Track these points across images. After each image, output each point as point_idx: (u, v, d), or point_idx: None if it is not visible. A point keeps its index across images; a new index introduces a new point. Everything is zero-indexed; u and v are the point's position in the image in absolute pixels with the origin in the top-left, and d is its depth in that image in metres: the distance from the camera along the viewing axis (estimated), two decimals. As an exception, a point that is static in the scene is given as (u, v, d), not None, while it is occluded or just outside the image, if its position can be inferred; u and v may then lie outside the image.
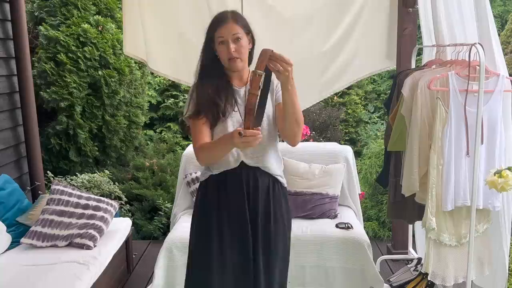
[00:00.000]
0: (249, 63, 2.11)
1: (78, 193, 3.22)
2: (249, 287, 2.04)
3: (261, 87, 1.81)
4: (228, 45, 1.96)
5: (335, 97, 6.48)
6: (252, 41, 2.07)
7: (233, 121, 2.01)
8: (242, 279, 2.04)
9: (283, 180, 2.13)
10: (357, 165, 3.84)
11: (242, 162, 2.02)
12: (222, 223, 2.03)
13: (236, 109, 2.02)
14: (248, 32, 2.03)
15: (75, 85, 4.48)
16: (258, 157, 2.03)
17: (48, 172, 4.23)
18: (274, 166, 2.09)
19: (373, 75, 6.42)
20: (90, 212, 3.10)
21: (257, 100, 1.80)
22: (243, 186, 2.01)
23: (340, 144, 3.86)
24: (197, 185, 3.40)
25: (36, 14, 4.66)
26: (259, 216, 2.03)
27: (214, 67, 2.05)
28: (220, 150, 1.94)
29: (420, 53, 3.59)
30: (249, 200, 2.02)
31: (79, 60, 4.50)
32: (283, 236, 2.11)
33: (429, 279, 2.61)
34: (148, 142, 5.89)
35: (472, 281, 2.62)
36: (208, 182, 2.07)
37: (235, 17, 2.01)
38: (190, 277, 2.12)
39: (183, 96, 6.18)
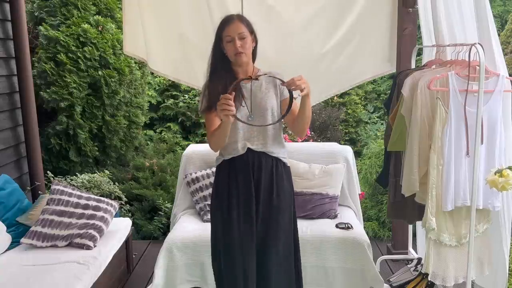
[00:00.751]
0: (253, 60, 2.38)
1: (78, 193, 3.22)
2: (252, 254, 2.30)
3: (253, 78, 2.19)
4: (234, 42, 2.23)
5: (335, 97, 6.48)
6: (255, 40, 2.34)
7: (241, 114, 2.26)
8: (247, 246, 2.29)
9: (286, 161, 2.40)
10: (357, 165, 3.84)
11: (248, 148, 2.30)
12: (232, 198, 2.31)
13: (243, 104, 2.29)
14: (252, 31, 2.31)
15: (75, 85, 4.48)
16: (262, 144, 2.32)
17: (48, 172, 4.23)
18: (277, 150, 2.35)
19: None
20: (90, 212, 3.10)
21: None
22: (249, 167, 2.30)
23: (340, 144, 3.86)
24: (197, 185, 3.43)
25: (36, 14, 4.66)
26: (261, 191, 2.30)
27: (222, 62, 2.31)
28: (220, 132, 2.19)
29: (420, 53, 3.59)
30: (253, 177, 2.29)
31: (79, 60, 4.50)
32: (286, 208, 2.37)
33: (429, 279, 2.61)
34: (148, 142, 5.89)
35: (473, 281, 2.62)
36: (221, 166, 2.38)
37: (240, 18, 2.30)
38: (214, 246, 2.40)
39: (183, 96, 6.18)
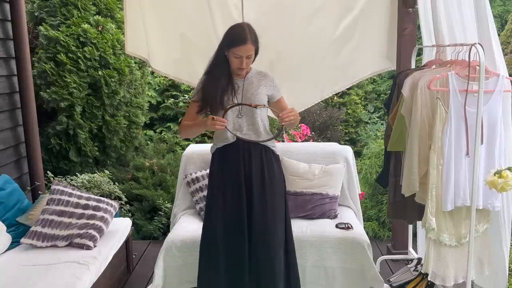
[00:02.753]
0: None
1: (78, 193, 3.22)
2: (243, 233, 2.51)
3: (253, 106, 2.49)
4: (242, 61, 2.45)
5: (335, 97, 6.49)
6: (257, 51, 2.51)
7: (233, 110, 2.52)
8: (238, 224, 2.52)
9: (274, 149, 2.63)
10: (357, 165, 3.84)
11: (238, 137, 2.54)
12: (224, 181, 2.56)
13: (235, 101, 2.52)
14: (257, 45, 2.49)
15: (75, 85, 4.48)
16: (250, 135, 2.56)
17: (48, 172, 4.23)
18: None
19: (373, 75, 6.45)
20: (90, 212, 3.10)
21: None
22: (239, 153, 2.54)
23: (340, 144, 3.86)
24: (197, 185, 3.43)
25: (36, 14, 4.65)
26: (253, 174, 2.52)
27: (222, 66, 2.52)
28: (196, 129, 2.61)
29: (420, 53, 3.59)
30: (244, 161, 2.53)
31: (79, 60, 4.50)
32: (279, 192, 2.59)
33: (429, 279, 2.61)
34: (148, 142, 5.89)
35: (472, 281, 2.62)
36: (215, 154, 2.64)
37: (253, 39, 2.45)
38: (205, 226, 2.64)
39: (183, 96, 6.18)
